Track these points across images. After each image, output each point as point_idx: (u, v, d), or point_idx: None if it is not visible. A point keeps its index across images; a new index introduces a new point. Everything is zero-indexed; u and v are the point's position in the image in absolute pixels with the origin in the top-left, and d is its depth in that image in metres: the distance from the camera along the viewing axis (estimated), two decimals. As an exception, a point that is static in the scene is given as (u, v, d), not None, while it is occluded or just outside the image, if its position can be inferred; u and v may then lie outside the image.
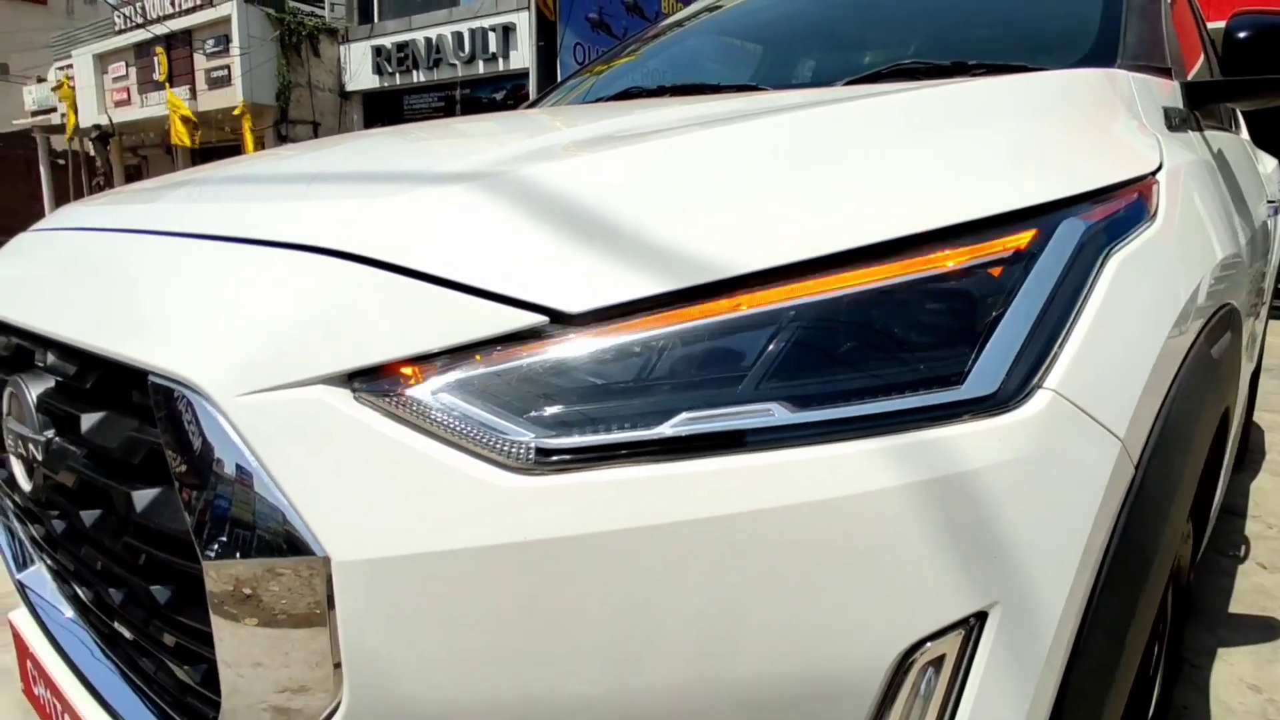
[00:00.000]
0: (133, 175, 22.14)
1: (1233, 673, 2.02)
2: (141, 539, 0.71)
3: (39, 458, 0.85)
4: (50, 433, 0.85)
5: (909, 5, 1.85)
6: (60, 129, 20.17)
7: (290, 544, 0.58)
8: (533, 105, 2.37)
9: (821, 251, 0.65)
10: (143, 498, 0.69)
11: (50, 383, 0.87)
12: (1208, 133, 1.59)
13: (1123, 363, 0.72)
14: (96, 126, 18.30)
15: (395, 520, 0.57)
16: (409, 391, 0.60)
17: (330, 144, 1.40)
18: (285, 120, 17.60)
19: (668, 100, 1.56)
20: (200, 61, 17.62)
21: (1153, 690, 1.20)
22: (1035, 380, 0.65)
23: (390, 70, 18.07)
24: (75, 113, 18.81)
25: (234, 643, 0.62)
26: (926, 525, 0.59)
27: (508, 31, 14.26)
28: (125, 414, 0.74)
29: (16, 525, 1.21)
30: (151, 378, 0.65)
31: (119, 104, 19.01)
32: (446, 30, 15.34)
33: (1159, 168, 0.92)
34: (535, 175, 0.72)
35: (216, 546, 0.60)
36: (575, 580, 0.57)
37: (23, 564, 1.24)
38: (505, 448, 0.58)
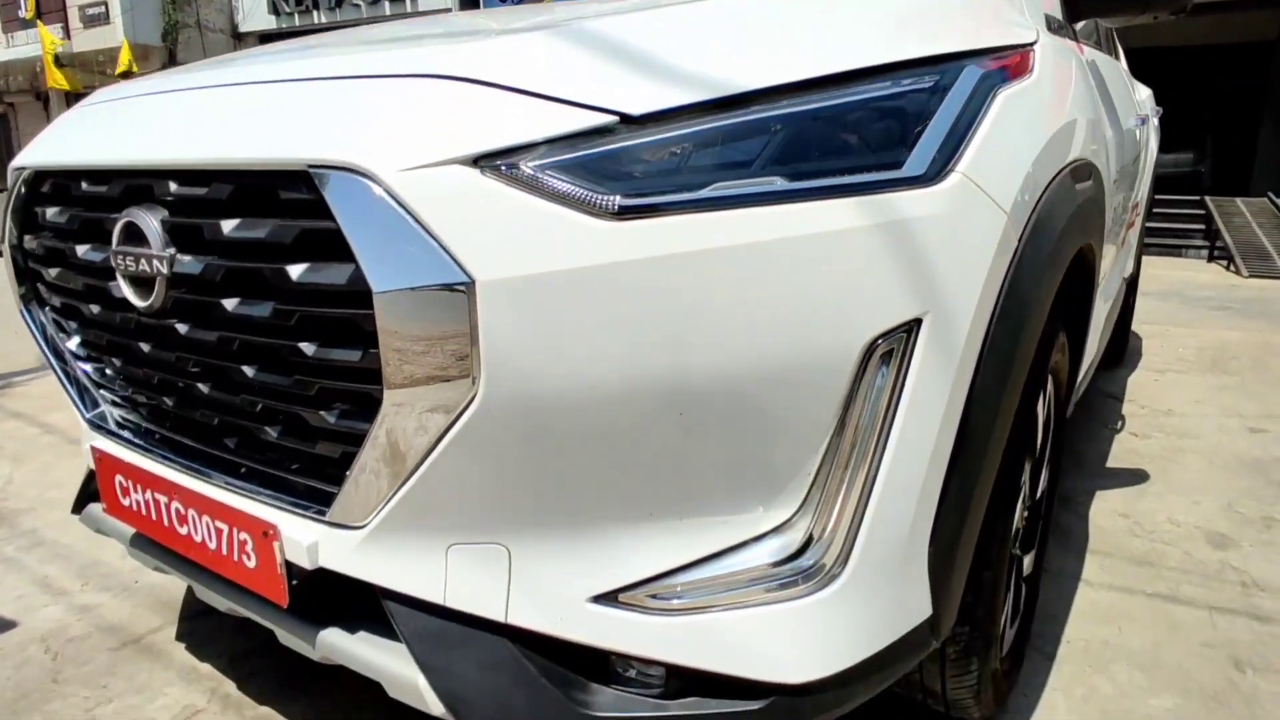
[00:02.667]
0: (0, 124, 20.47)
1: (1107, 505, 2.47)
2: (295, 302, 0.92)
3: (164, 272, 1.04)
4: (172, 250, 1.04)
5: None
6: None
7: (444, 272, 0.81)
8: None
9: (808, 75, 0.91)
10: (296, 269, 0.91)
11: (164, 212, 1.06)
12: (1085, 46, 1.93)
13: (1006, 164, 1.02)
14: (-36, 69, 16.76)
15: (521, 252, 0.81)
16: (524, 166, 0.83)
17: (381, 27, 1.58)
18: (173, 62, 16.63)
19: None
20: (74, -3, 16.42)
21: (1039, 477, 1.55)
22: (949, 167, 0.94)
23: (288, 10, 17.24)
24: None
25: (397, 357, 0.85)
26: (879, 255, 0.88)
27: (416, -29, 13.81)
28: (263, 214, 0.95)
29: (85, 371, 1.38)
30: (312, 170, 0.86)
31: (-19, 44, 17.56)
32: (349, -32, 14.74)
33: (1036, 42, 1.22)
34: (600, 25, 0.96)
35: (387, 282, 0.82)
36: (645, 288, 0.83)
37: (89, 407, 1.41)
38: (596, 203, 0.82)
